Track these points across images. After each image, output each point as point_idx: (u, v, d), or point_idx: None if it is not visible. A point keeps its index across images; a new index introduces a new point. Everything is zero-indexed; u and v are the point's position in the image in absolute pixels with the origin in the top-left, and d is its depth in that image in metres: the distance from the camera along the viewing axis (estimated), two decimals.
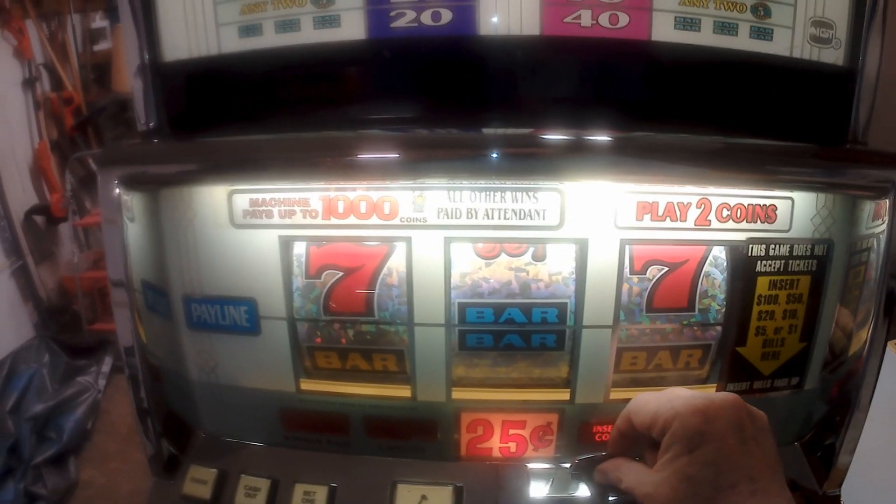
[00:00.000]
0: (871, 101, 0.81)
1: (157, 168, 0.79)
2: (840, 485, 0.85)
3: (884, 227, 0.78)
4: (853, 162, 0.79)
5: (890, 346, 0.86)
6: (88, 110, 3.42)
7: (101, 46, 3.59)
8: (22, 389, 2.57)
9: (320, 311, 0.80)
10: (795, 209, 0.79)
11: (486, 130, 0.76)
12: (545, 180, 0.75)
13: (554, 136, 0.72)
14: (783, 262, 0.79)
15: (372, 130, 0.79)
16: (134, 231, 0.79)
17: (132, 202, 0.78)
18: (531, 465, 0.84)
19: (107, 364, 2.83)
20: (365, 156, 0.73)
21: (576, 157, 0.73)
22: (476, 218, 0.76)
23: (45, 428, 2.54)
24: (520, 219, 0.76)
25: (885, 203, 0.77)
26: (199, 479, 0.84)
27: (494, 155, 0.71)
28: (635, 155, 0.73)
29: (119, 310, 0.79)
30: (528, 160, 0.73)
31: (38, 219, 3.31)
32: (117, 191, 0.76)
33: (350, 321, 0.81)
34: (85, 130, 3.36)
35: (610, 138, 0.72)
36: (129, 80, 0.84)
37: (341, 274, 0.79)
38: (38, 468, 2.41)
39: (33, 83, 3.36)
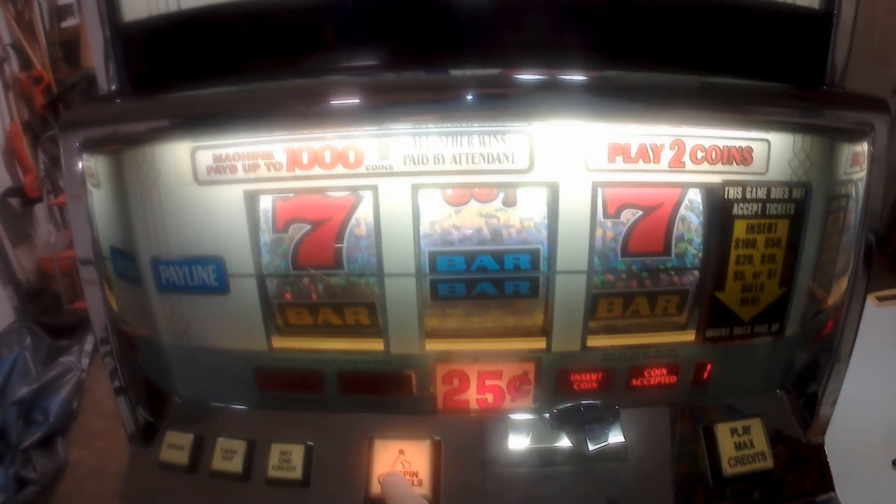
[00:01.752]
0: (847, 45, 0.80)
1: (120, 127, 0.76)
2: (823, 432, 0.85)
3: (862, 173, 0.77)
4: (831, 103, 0.78)
5: (870, 298, 0.86)
6: (59, 88, 3.34)
7: (69, 23, 3.49)
8: (5, 374, 2.53)
9: (289, 265, 0.79)
10: (772, 152, 0.78)
11: (454, 72, 0.74)
12: (517, 122, 0.73)
13: (525, 76, 0.70)
14: (760, 205, 0.79)
15: (338, 76, 0.76)
16: (99, 196, 0.76)
17: (96, 167, 0.76)
18: (511, 416, 0.83)
19: (89, 343, 2.79)
20: (332, 101, 0.70)
21: (548, 96, 0.71)
22: (444, 163, 0.74)
23: (30, 411, 2.51)
24: (488, 163, 0.74)
25: (863, 148, 0.76)
26: (176, 444, 0.83)
27: (465, 96, 0.69)
28: (609, 94, 0.72)
29: (90, 287, 0.78)
30: (499, 101, 0.71)
31: (13, 201, 3.25)
32: (80, 157, 0.74)
33: (319, 275, 0.79)
34: (56, 109, 3.28)
35: (583, 77, 0.71)
36: (91, 47, 0.81)
37: (309, 227, 0.77)
38: (26, 452, 2.39)
39: (2, 64, 3.27)
